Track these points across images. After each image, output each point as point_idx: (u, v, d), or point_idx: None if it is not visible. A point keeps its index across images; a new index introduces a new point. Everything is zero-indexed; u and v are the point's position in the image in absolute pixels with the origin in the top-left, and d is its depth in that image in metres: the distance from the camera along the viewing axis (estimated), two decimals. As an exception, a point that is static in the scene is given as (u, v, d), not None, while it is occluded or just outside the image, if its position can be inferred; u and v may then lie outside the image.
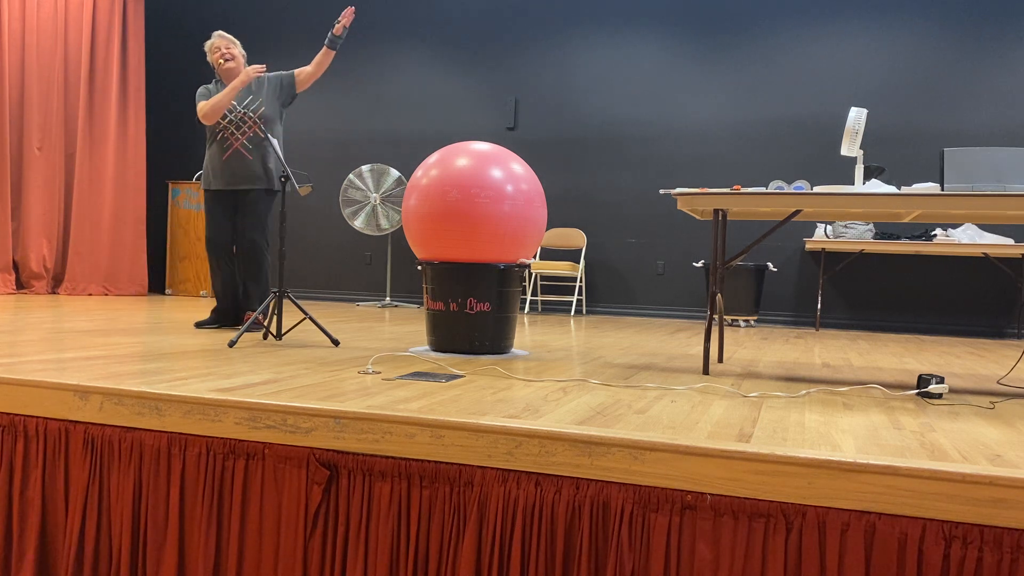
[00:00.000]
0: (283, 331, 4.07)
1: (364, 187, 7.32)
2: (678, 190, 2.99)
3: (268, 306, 3.82)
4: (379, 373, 2.68)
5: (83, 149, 7.17)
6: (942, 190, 2.70)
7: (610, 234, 7.26)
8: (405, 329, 4.71)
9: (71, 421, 2.19)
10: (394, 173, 7.32)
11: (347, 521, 1.95)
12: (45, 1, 7.00)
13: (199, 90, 4.30)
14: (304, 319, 4.22)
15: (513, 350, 3.65)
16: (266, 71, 4.24)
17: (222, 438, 2.04)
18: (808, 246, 6.23)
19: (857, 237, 6.16)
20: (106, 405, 2.15)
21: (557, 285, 7.51)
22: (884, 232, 6.30)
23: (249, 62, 8.24)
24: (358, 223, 7.32)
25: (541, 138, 7.44)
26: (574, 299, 7.17)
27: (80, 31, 7.20)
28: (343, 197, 7.34)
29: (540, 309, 7.51)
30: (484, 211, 3.31)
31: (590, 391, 2.46)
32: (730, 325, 6.43)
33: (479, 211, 3.31)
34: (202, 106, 4.17)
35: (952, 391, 2.86)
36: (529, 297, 7.38)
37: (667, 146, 7.11)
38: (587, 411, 2.08)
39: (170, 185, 7.91)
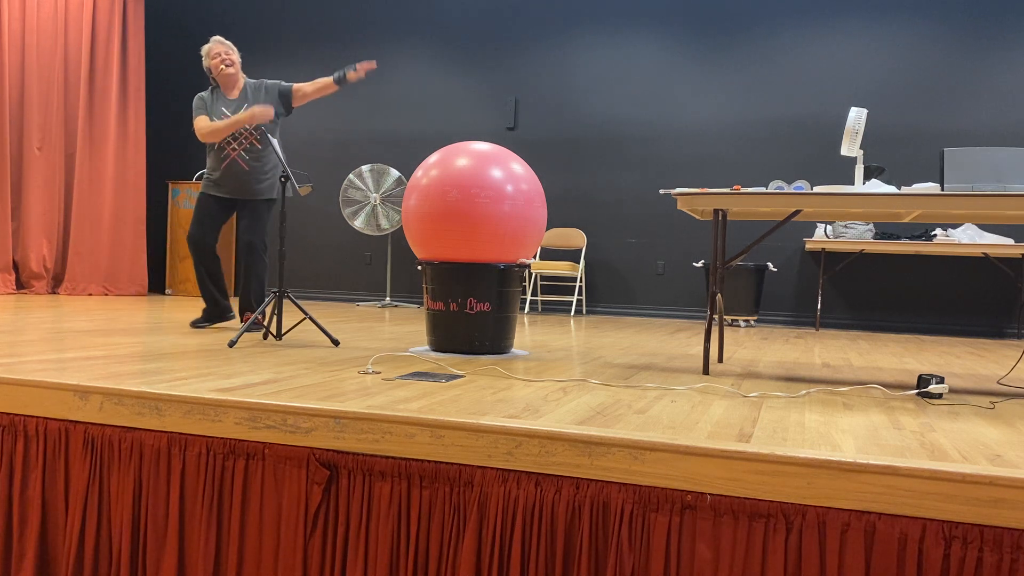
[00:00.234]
0: (283, 331, 4.07)
1: (364, 187, 7.32)
2: (678, 190, 2.99)
3: (268, 306, 3.83)
4: (379, 373, 2.68)
5: (83, 149, 7.17)
6: (942, 190, 2.70)
7: (610, 234, 7.26)
8: (405, 329, 4.71)
9: (71, 421, 2.19)
10: (394, 173, 7.31)
11: (347, 521, 1.95)
12: (45, 1, 7.01)
13: (195, 100, 4.31)
14: (304, 319, 4.22)
15: (513, 350, 3.65)
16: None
17: (222, 438, 2.04)
18: (808, 246, 6.23)
19: (857, 237, 6.16)
20: (106, 405, 2.15)
21: (557, 285, 7.51)
22: (884, 232, 6.30)
23: (247, 63, 8.24)
24: (358, 223, 7.32)
25: (541, 138, 7.44)
26: (574, 299, 7.17)
27: (80, 31, 7.20)
28: (343, 197, 7.34)
29: (540, 309, 7.51)
30: (484, 211, 3.32)
31: (590, 391, 2.46)
32: (730, 325, 6.43)
33: (479, 211, 3.31)
34: (201, 127, 4.19)
35: (952, 391, 2.86)
36: (529, 297, 7.38)
37: (667, 146, 7.11)
38: (587, 411, 2.08)
39: (170, 185, 7.91)
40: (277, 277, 4.58)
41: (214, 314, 4.38)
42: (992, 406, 2.51)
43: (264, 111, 4.06)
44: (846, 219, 3.40)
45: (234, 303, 6.19)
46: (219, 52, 4.24)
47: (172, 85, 8.49)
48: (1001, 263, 6.30)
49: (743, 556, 1.65)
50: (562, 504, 1.77)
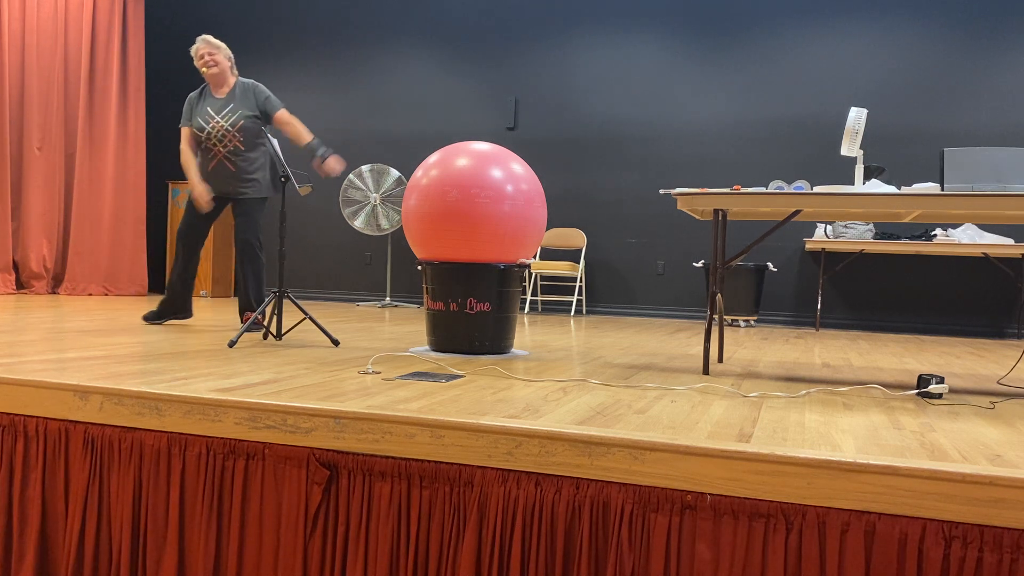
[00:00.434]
0: (283, 331, 4.07)
1: (364, 187, 7.32)
2: (678, 190, 2.99)
3: (268, 306, 3.84)
4: (379, 373, 2.68)
5: (83, 149, 7.17)
6: (942, 190, 2.70)
7: (610, 234, 7.26)
8: (405, 329, 4.71)
9: (71, 421, 2.19)
10: (394, 173, 7.31)
11: (347, 521, 1.95)
12: (45, 1, 7.01)
13: (185, 103, 4.39)
14: (304, 319, 4.22)
15: (513, 350, 3.65)
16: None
17: (222, 438, 2.04)
18: (808, 246, 6.23)
19: (857, 237, 6.16)
20: (106, 405, 2.15)
21: (557, 285, 7.51)
22: (884, 232, 6.30)
23: (246, 62, 8.24)
24: (358, 223, 7.32)
25: (541, 138, 7.44)
26: (574, 299, 7.17)
27: (80, 31, 7.20)
28: (343, 197, 7.34)
29: (540, 309, 7.51)
30: (484, 211, 3.32)
31: (590, 391, 2.46)
32: (730, 325, 6.43)
33: (479, 211, 3.31)
34: (182, 145, 4.30)
35: (952, 391, 2.86)
36: (529, 297, 7.38)
37: (667, 146, 7.11)
38: (587, 411, 2.08)
39: (170, 185, 7.91)
40: (277, 277, 4.58)
41: (167, 311, 4.42)
42: (992, 406, 2.51)
43: (205, 196, 4.16)
44: (846, 219, 3.40)
45: (233, 304, 6.19)
46: (203, 53, 4.27)
47: (172, 85, 8.49)
48: (1001, 263, 6.30)
49: (743, 556, 1.65)
50: (562, 504, 1.77)
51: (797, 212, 3.02)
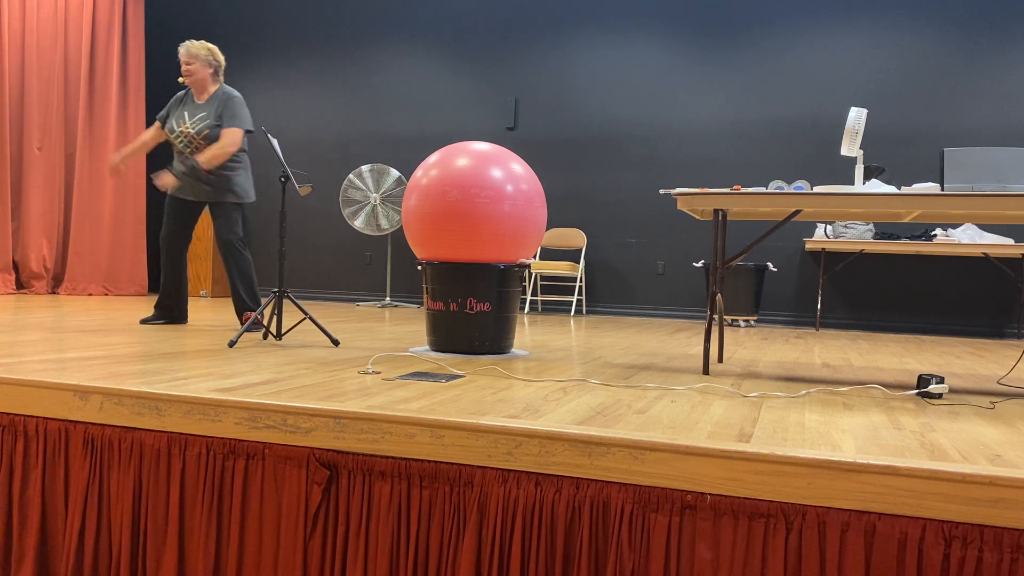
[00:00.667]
0: (283, 331, 4.07)
1: (364, 187, 7.32)
2: (678, 190, 2.99)
3: (268, 306, 3.84)
4: (379, 373, 2.68)
5: (83, 149, 7.17)
6: (942, 190, 2.70)
7: (610, 234, 7.26)
8: (405, 329, 4.71)
9: (71, 421, 2.19)
10: (394, 173, 7.31)
11: (347, 521, 1.95)
12: (45, 1, 7.00)
13: (174, 97, 4.48)
14: (304, 319, 4.22)
15: (513, 350, 3.65)
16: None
17: (222, 438, 2.04)
18: (808, 246, 6.23)
19: (857, 237, 6.16)
20: (106, 405, 2.15)
21: (557, 285, 7.51)
22: (884, 232, 6.30)
23: (246, 62, 8.24)
24: (358, 223, 7.32)
25: (541, 138, 7.44)
26: (574, 299, 7.17)
27: (80, 31, 7.20)
28: (343, 197, 7.34)
29: (540, 309, 7.51)
30: (484, 211, 3.32)
31: (590, 391, 2.46)
32: (730, 325, 6.43)
33: (479, 211, 3.31)
34: (144, 132, 4.45)
35: (952, 391, 2.86)
36: (529, 297, 7.38)
37: (667, 146, 7.11)
38: (587, 411, 2.08)
39: (170, 185, 7.91)
40: (277, 277, 4.58)
41: (164, 314, 4.46)
42: (992, 406, 2.51)
43: (119, 164, 4.29)
44: (846, 219, 3.40)
45: (228, 304, 6.18)
46: (182, 60, 4.33)
47: (172, 85, 8.49)
48: (1001, 263, 6.30)
49: (743, 556, 1.65)
50: (562, 504, 1.77)
51: (797, 212, 3.02)
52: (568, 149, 7.37)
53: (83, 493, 2.15)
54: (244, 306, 4.30)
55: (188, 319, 4.63)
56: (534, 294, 7.48)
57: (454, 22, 7.68)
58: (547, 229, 7.38)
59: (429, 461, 1.88)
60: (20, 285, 6.97)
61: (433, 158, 3.49)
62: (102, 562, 2.15)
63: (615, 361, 3.42)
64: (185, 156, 4.27)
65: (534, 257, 6.52)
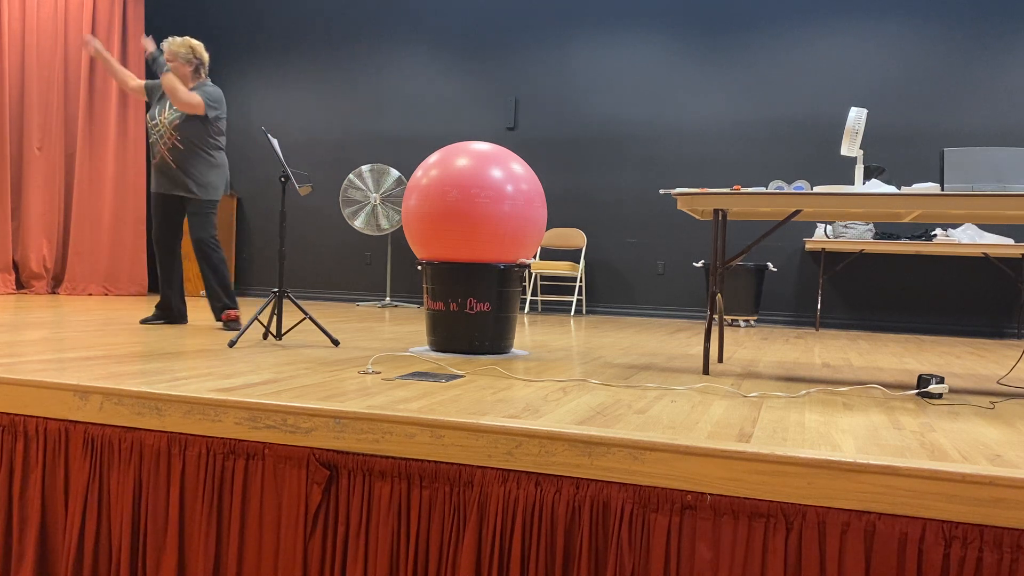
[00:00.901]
0: (283, 331, 4.07)
1: (364, 187, 7.32)
2: (678, 190, 2.99)
3: (268, 306, 3.85)
4: (379, 373, 2.68)
5: (83, 149, 7.17)
6: (942, 190, 2.70)
7: (610, 234, 7.26)
8: (405, 329, 4.71)
9: (71, 421, 2.19)
10: (394, 173, 7.32)
11: (347, 521, 1.95)
12: (45, 1, 7.00)
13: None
14: (304, 319, 4.22)
15: (513, 350, 3.65)
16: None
17: (222, 438, 2.04)
18: (808, 246, 6.23)
19: (857, 237, 6.16)
20: (106, 405, 2.15)
21: (557, 285, 7.51)
22: (884, 232, 6.30)
23: (245, 62, 8.24)
24: (358, 223, 7.32)
25: (541, 138, 7.44)
26: (574, 299, 7.17)
27: (80, 31, 7.20)
28: (343, 197, 7.34)
29: (540, 309, 7.51)
30: (484, 211, 3.32)
31: (590, 391, 2.46)
32: (730, 325, 6.43)
33: (479, 211, 3.31)
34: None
35: (952, 391, 2.86)
36: (529, 297, 7.38)
37: (667, 146, 7.11)
38: (587, 411, 2.08)
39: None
40: (277, 277, 4.58)
41: (163, 315, 4.47)
42: (992, 406, 2.51)
43: (91, 44, 4.34)
44: (846, 219, 3.40)
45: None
46: (165, 58, 4.38)
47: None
48: (1001, 263, 6.30)
49: (743, 556, 1.65)
50: (562, 504, 1.77)
51: (797, 212, 3.02)
52: (568, 149, 7.37)
53: (83, 493, 2.15)
54: (222, 304, 4.30)
55: (188, 319, 4.63)
56: (534, 294, 7.48)
57: (454, 22, 7.68)
58: (547, 229, 7.38)
59: (429, 461, 1.88)
60: (20, 285, 6.97)
61: (433, 158, 3.49)
62: (102, 562, 2.15)
63: (615, 361, 3.42)
64: (160, 148, 4.33)
65: (534, 257, 6.53)
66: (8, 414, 2.25)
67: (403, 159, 7.81)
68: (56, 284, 7.19)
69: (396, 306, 7.34)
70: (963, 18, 6.43)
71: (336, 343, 3.60)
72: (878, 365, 3.73)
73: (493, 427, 1.83)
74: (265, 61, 8.24)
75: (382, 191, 7.30)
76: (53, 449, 2.20)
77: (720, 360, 3.60)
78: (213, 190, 4.37)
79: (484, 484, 1.83)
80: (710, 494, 1.67)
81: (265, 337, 3.75)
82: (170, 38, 4.37)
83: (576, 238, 7.26)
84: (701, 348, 4.25)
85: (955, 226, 6.26)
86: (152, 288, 8.37)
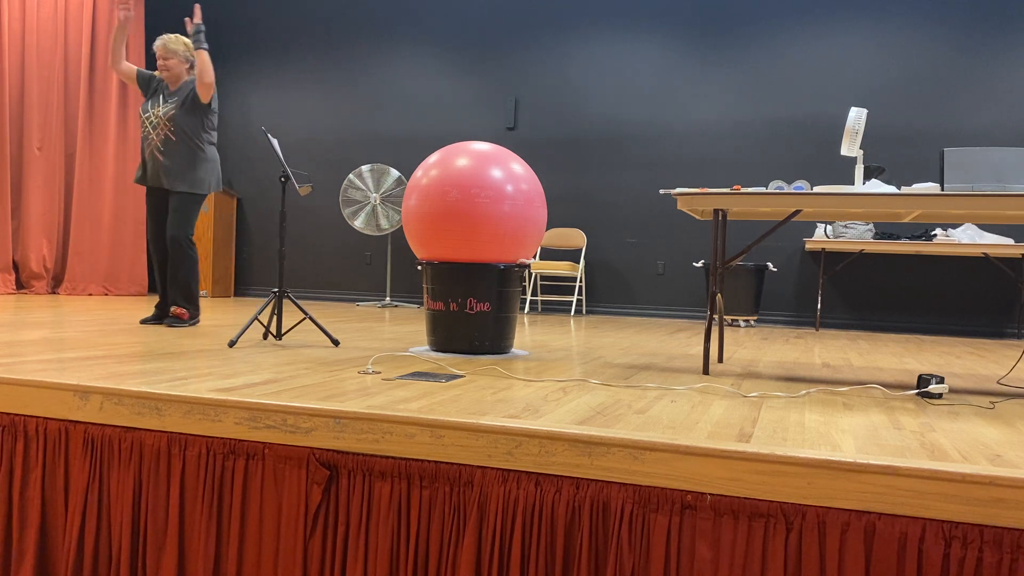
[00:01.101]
0: (283, 331, 4.07)
1: (364, 187, 7.32)
2: (678, 190, 2.99)
3: (268, 306, 3.85)
4: (379, 373, 2.68)
5: (83, 149, 7.17)
6: (942, 190, 2.70)
7: (610, 234, 7.26)
8: (405, 329, 4.71)
9: (71, 421, 2.19)
10: (394, 173, 7.31)
11: (347, 521, 1.95)
12: (45, 1, 7.00)
13: (152, 75, 4.53)
14: (304, 319, 4.22)
15: (513, 350, 3.65)
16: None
17: (222, 438, 2.04)
18: (808, 246, 6.23)
19: (857, 237, 6.16)
20: (106, 405, 2.15)
21: (557, 285, 7.51)
22: (884, 232, 6.30)
23: (245, 62, 8.24)
24: (358, 223, 7.32)
25: (541, 138, 7.44)
26: (574, 299, 7.17)
27: (80, 31, 7.20)
28: (343, 197, 7.34)
29: (540, 309, 7.51)
30: (484, 211, 3.32)
31: (590, 391, 2.46)
32: (730, 325, 6.43)
33: (479, 211, 3.31)
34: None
35: (952, 391, 2.86)
36: (529, 297, 7.38)
37: (667, 146, 7.11)
38: (587, 411, 2.08)
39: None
40: (277, 277, 4.58)
41: (162, 315, 4.49)
42: (992, 406, 2.51)
43: (126, 9, 4.29)
44: (846, 219, 3.40)
45: (234, 304, 6.20)
46: (159, 55, 4.39)
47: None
48: (1001, 263, 6.30)
49: (743, 556, 1.65)
50: (562, 504, 1.77)
51: (797, 212, 3.02)
52: (568, 149, 7.37)
53: (83, 493, 2.15)
54: (175, 302, 4.34)
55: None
56: (534, 294, 7.48)
57: (454, 22, 7.68)
58: (547, 229, 7.38)
59: (429, 461, 1.88)
60: (20, 285, 6.97)
61: (433, 158, 3.49)
62: (102, 562, 2.15)
63: (615, 361, 3.42)
64: (151, 140, 4.33)
65: (534, 257, 6.53)
66: (8, 414, 2.25)
67: (403, 159, 7.81)
68: (56, 284, 7.19)
69: (396, 306, 7.34)
70: (963, 18, 6.43)
71: (336, 343, 3.60)
72: (878, 365, 3.73)
73: (493, 427, 1.83)
74: (265, 61, 8.24)
75: (382, 191, 7.30)
76: (53, 449, 2.20)
77: (720, 360, 3.60)
78: (199, 184, 4.36)
79: (484, 484, 1.83)
80: (710, 494, 1.67)
81: (265, 337, 3.75)
82: (166, 35, 4.38)
83: (576, 238, 7.26)
84: (701, 348, 4.25)
85: (955, 226, 6.26)
86: (152, 288, 8.37)
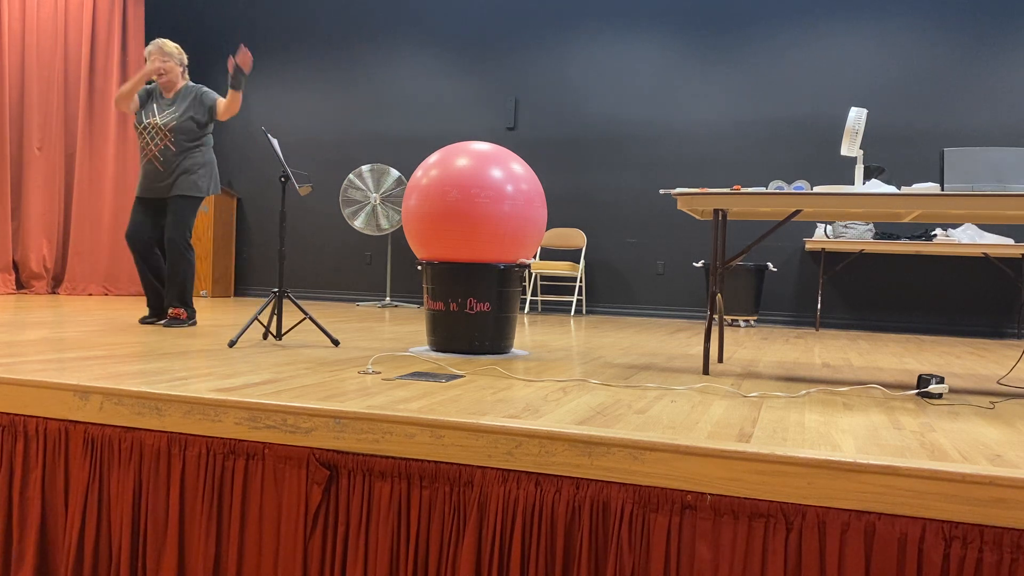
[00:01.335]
0: (283, 331, 4.07)
1: (364, 187, 7.32)
2: (678, 190, 2.99)
3: (268, 306, 3.86)
4: (379, 373, 2.68)
5: (83, 149, 7.17)
6: (942, 190, 2.70)
7: (610, 234, 7.26)
8: (405, 329, 4.71)
9: (71, 421, 2.19)
10: (394, 173, 7.31)
11: (347, 521, 1.95)
12: (45, 1, 7.00)
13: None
14: (304, 319, 4.22)
15: (513, 350, 3.65)
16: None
17: (222, 438, 2.04)
18: (808, 246, 6.23)
19: (857, 237, 6.16)
20: (106, 405, 2.15)
21: (557, 285, 7.51)
22: (884, 232, 6.30)
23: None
24: (358, 223, 7.32)
25: (541, 138, 7.44)
26: (574, 299, 7.17)
27: (80, 31, 7.20)
28: (343, 197, 7.34)
29: (540, 309, 7.51)
30: (484, 211, 3.32)
31: (590, 391, 2.46)
32: (730, 325, 6.43)
33: (479, 211, 3.31)
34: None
35: (952, 391, 2.86)
36: (529, 297, 7.38)
37: (667, 146, 7.11)
38: (587, 411, 2.08)
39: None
40: (277, 277, 4.58)
41: (156, 312, 4.49)
42: (992, 406, 2.51)
43: (155, 67, 4.30)
44: (846, 219, 3.40)
45: (234, 304, 6.20)
46: (155, 59, 4.38)
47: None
48: (1001, 263, 6.30)
49: (743, 556, 1.65)
50: (562, 504, 1.77)
51: (797, 212, 3.02)
52: (568, 149, 7.37)
53: (83, 493, 2.15)
54: (172, 303, 4.33)
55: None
56: (534, 294, 7.48)
57: (454, 22, 7.68)
58: (547, 229, 7.38)
59: (429, 461, 1.88)
60: (20, 285, 6.97)
61: (433, 158, 3.49)
62: (102, 562, 2.15)
63: (615, 361, 3.42)
64: (149, 150, 4.32)
65: (534, 257, 6.53)
66: (8, 414, 2.25)
67: (403, 159, 7.81)
68: (56, 284, 7.19)
69: (396, 306, 7.34)
70: (963, 18, 6.43)
71: (336, 343, 3.60)
72: (878, 365, 3.73)
73: (493, 427, 1.83)
74: (265, 61, 8.24)
75: (382, 191, 7.30)
76: (53, 449, 2.20)
77: (720, 360, 3.60)
78: (197, 188, 4.37)
79: (484, 484, 1.83)
80: (710, 494, 1.67)
81: (265, 337, 3.75)
82: (161, 40, 4.39)
83: (576, 238, 7.26)
84: (701, 348, 4.25)
85: (955, 226, 6.26)
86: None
